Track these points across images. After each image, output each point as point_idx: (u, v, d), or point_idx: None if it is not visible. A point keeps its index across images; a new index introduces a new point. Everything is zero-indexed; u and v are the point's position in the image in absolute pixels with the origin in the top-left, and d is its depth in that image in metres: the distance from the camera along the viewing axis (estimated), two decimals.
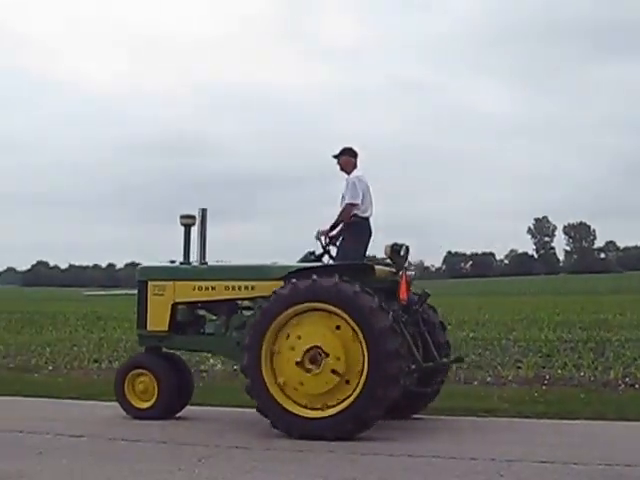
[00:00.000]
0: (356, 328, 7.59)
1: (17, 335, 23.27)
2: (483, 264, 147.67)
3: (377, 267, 8.48)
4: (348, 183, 9.56)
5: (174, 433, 7.98)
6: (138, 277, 9.36)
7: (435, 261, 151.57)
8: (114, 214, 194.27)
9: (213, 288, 8.86)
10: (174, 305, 9.07)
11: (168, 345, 9.29)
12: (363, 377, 7.54)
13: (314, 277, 7.80)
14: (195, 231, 9.20)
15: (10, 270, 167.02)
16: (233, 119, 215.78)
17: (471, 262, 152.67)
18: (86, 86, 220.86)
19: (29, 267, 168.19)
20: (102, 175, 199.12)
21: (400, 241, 8.81)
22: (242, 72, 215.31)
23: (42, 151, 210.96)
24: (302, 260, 9.23)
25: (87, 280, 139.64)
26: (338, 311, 7.67)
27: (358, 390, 7.56)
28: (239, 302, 9.04)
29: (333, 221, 9.58)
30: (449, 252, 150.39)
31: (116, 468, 6.36)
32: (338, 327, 7.71)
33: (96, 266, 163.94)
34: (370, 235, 9.62)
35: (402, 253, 8.67)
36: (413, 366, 8.19)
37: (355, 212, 9.48)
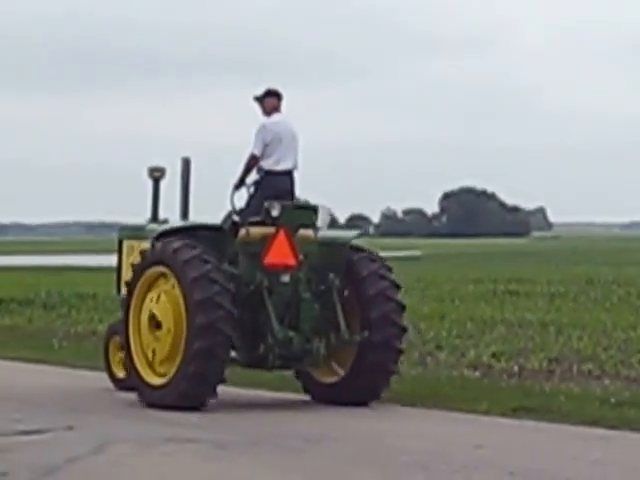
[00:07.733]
0: (177, 284, 7.65)
1: None
2: None
3: (252, 229, 7.92)
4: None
5: None
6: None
7: None
8: None
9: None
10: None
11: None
12: (185, 332, 7.53)
13: (154, 242, 7.92)
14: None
15: None
16: None
17: None
18: None
19: None
20: None
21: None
22: None
23: None
24: (224, 219, 8.39)
25: None
26: (167, 271, 7.78)
27: (183, 347, 7.52)
28: None
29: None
30: None
31: None
32: (174, 287, 7.74)
33: None
34: (285, 192, 8.31)
35: (275, 213, 7.88)
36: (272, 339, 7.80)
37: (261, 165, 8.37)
